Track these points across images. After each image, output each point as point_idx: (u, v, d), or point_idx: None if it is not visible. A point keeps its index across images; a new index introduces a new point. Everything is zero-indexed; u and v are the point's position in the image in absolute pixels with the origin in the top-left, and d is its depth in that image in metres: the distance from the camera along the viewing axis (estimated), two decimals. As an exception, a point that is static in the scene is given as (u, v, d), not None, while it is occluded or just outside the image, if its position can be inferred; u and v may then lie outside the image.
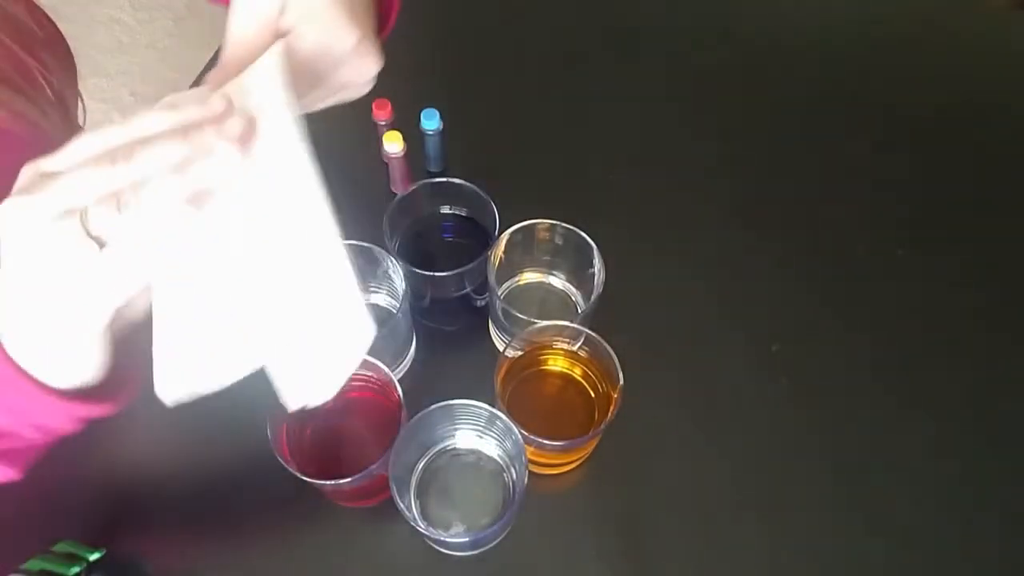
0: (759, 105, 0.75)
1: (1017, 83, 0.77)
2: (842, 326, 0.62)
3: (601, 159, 0.71)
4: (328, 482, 0.45)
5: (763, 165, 0.71)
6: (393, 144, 0.61)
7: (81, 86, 0.55)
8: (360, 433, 0.54)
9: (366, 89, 0.41)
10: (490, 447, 0.52)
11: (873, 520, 0.53)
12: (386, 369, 0.49)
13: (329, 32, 0.37)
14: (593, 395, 0.54)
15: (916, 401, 0.58)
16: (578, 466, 0.55)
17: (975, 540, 0.53)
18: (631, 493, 0.54)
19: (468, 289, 0.57)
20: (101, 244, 0.31)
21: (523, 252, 0.58)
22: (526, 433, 0.47)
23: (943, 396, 0.58)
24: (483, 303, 0.60)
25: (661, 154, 0.72)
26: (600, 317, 0.54)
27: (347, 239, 0.42)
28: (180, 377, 0.36)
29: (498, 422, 0.48)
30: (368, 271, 0.56)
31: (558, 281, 0.61)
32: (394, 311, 0.55)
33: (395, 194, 0.60)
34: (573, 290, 0.60)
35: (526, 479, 0.46)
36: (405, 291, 0.53)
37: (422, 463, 0.52)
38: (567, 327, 0.52)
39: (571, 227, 0.55)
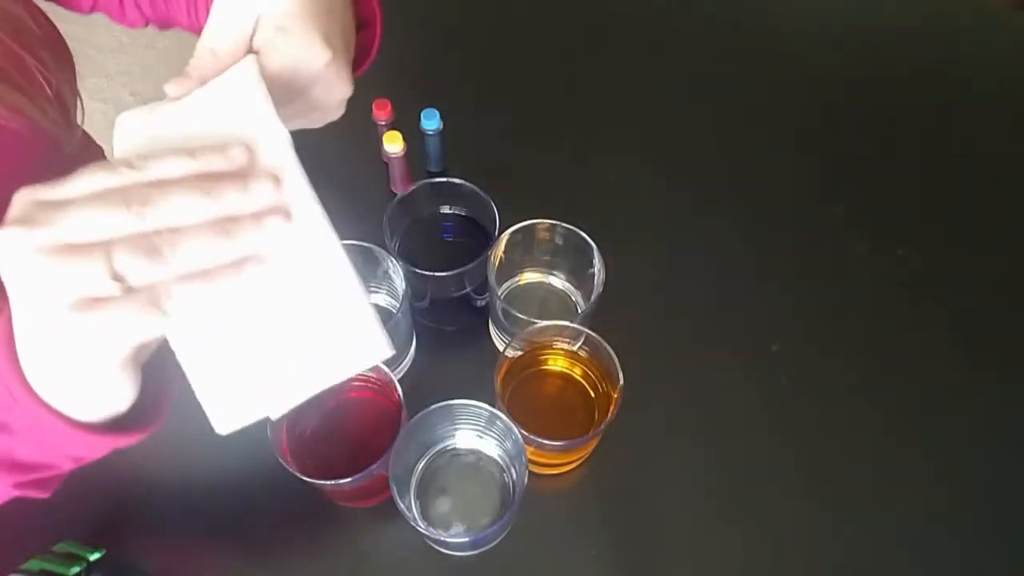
0: (759, 105, 0.75)
1: (1017, 83, 0.77)
2: (842, 326, 0.62)
3: (601, 159, 0.71)
4: (328, 482, 0.45)
5: (763, 165, 0.71)
6: (393, 144, 0.61)
7: (81, 86, 0.55)
8: (360, 433, 0.54)
9: (337, 114, 0.41)
10: (490, 447, 0.52)
11: (873, 520, 0.53)
12: (386, 369, 0.49)
13: (302, 48, 0.37)
14: (593, 395, 0.54)
15: (917, 401, 0.58)
16: (578, 466, 0.55)
17: (976, 540, 0.53)
18: (631, 493, 0.54)
19: (468, 289, 0.57)
20: (124, 285, 0.29)
21: (523, 252, 0.58)
22: (526, 433, 0.46)
23: (944, 396, 0.58)
24: (483, 303, 0.60)
25: (661, 154, 0.72)
26: (600, 317, 0.54)
27: (347, 239, 0.42)
28: (232, 406, 0.34)
29: (498, 422, 0.48)
30: (368, 271, 0.56)
31: (558, 281, 0.61)
32: (394, 311, 0.55)
33: (395, 194, 0.60)
34: (573, 290, 0.60)
35: (526, 479, 0.46)
36: (405, 291, 0.53)
37: (422, 463, 0.52)
38: (567, 327, 0.52)
39: (571, 227, 0.55)
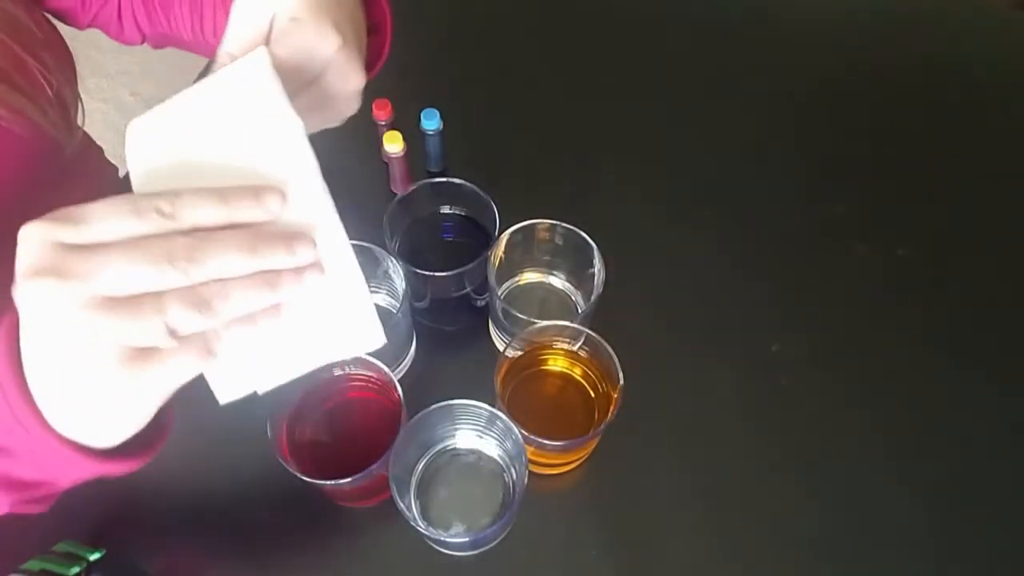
0: (759, 105, 0.75)
1: (1017, 83, 0.77)
2: (842, 326, 0.62)
3: (601, 159, 0.71)
4: (328, 482, 0.45)
5: (763, 165, 0.71)
6: (393, 144, 0.61)
7: (81, 86, 0.55)
8: (360, 433, 0.54)
9: (352, 107, 0.41)
10: (490, 447, 0.52)
11: (874, 520, 0.53)
12: (386, 369, 0.49)
13: (313, 34, 0.37)
14: (593, 395, 0.54)
15: (917, 401, 0.58)
16: (578, 466, 0.55)
17: (977, 541, 0.53)
18: (631, 493, 0.54)
19: (468, 289, 0.57)
20: (175, 336, 0.29)
21: (523, 252, 0.58)
22: (526, 433, 0.46)
23: (944, 396, 0.58)
24: (483, 303, 0.60)
25: (661, 154, 0.72)
26: (600, 317, 0.54)
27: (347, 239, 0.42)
28: (235, 377, 0.35)
29: (498, 422, 0.48)
30: (368, 271, 0.56)
31: (558, 281, 0.61)
32: (394, 311, 0.55)
33: (395, 194, 0.60)
34: (573, 290, 0.60)
35: (526, 479, 0.46)
36: (405, 291, 0.53)
37: (422, 463, 0.52)
38: (567, 327, 0.52)
39: (571, 227, 0.55)
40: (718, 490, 0.54)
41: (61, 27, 0.54)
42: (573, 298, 0.60)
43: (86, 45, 0.62)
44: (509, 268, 0.59)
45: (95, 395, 0.31)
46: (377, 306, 0.59)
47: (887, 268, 0.65)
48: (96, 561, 0.48)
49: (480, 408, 0.48)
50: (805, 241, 0.66)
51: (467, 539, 0.50)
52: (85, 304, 0.28)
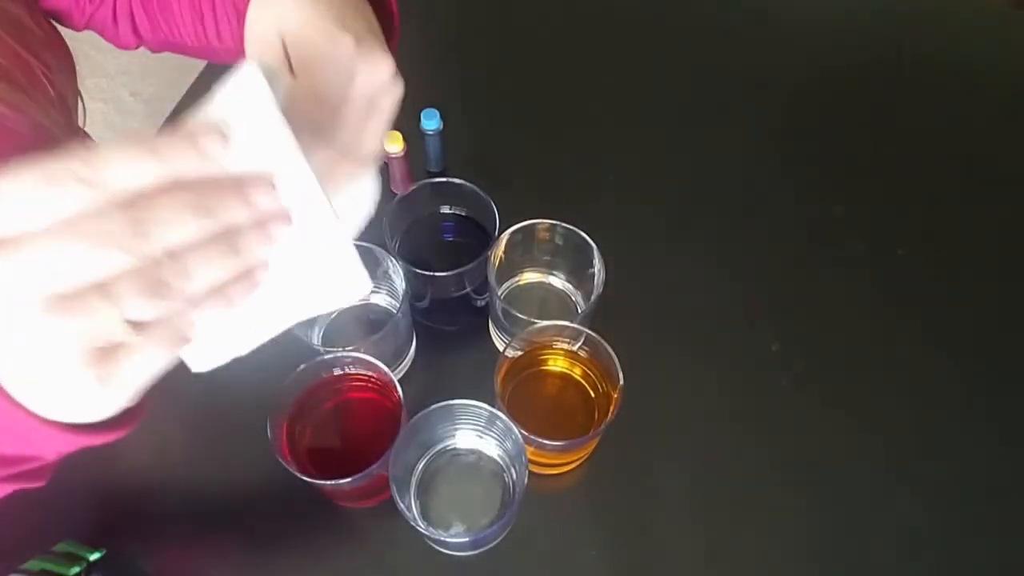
0: (758, 105, 0.75)
1: (1017, 83, 0.77)
2: (842, 326, 0.62)
3: (601, 159, 0.71)
4: (328, 482, 0.45)
5: (763, 164, 0.71)
6: (393, 144, 0.61)
7: (81, 86, 0.55)
8: (360, 433, 0.54)
9: (396, 93, 0.39)
10: (490, 447, 0.52)
11: (874, 520, 0.53)
12: (386, 369, 0.49)
13: (325, 43, 0.36)
14: (593, 395, 0.54)
15: (917, 401, 0.58)
16: (578, 466, 0.55)
17: (978, 541, 0.53)
18: (631, 493, 0.54)
19: (468, 289, 0.57)
20: (138, 325, 0.26)
21: (523, 252, 0.58)
22: (526, 433, 0.46)
23: (944, 395, 0.58)
24: (483, 303, 0.60)
25: (661, 154, 0.72)
26: (600, 317, 0.54)
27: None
28: (208, 346, 0.33)
29: (498, 422, 0.48)
30: (368, 271, 0.56)
31: (558, 281, 0.61)
32: (394, 311, 0.55)
33: (395, 194, 0.60)
34: (573, 290, 0.60)
35: (526, 479, 0.46)
36: (405, 291, 0.53)
37: (422, 463, 0.52)
38: (567, 327, 0.52)
39: (571, 227, 0.55)
40: (718, 490, 0.54)
41: (60, 27, 0.54)
42: (573, 298, 0.60)
43: (86, 45, 0.62)
44: (509, 268, 0.59)
45: (63, 391, 0.29)
46: (377, 306, 0.59)
47: (887, 268, 0.65)
48: (96, 561, 0.48)
49: (480, 408, 0.48)
50: (805, 241, 0.66)
51: (467, 539, 0.50)
52: (27, 310, 0.24)
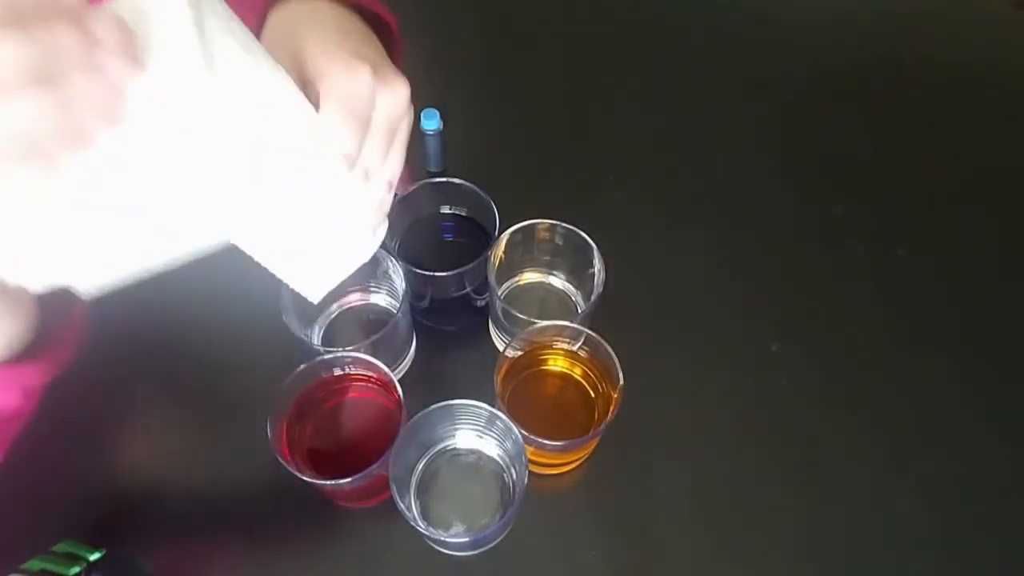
0: (758, 105, 0.75)
1: (1017, 83, 0.77)
2: (842, 326, 0.62)
3: (601, 159, 0.71)
4: (328, 482, 0.45)
5: (763, 164, 0.71)
6: (393, 144, 0.60)
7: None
8: (360, 433, 0.54)
9: (411, 116, 0.41)
10: (490, 447, 0.52)
11: (873, 520, 0.53)
12: (386, 369, 0.49)
13: (344, 77, 0.36)
14: (593, 395, 0.54)
15: (917, 401, 0.58)
16: (578, 466, 0.55)
17: (978, 541, 0.53)
18: (631, 493, 0.54)
19: (468, 289, 0.57)
20: None
21: (523, 252, 0.58)
22: (526, 433, 0.46)
23: (944, 395, 0.58)
24: (483, 303, 0.60)
25: (661, 153, 0.72)
26: (600, 317, 0.54)
27: (347, 239, 0.42)
28: (314, 272, 0.37)
29: (498, 422, 0.48)
30: (368, 271, 0.56)
31: (558, 281, 0.61)
32: (394, 311, 0.55)
33: (395, 194, 0.60)
34: (573, 290, 0.60)
35: (526, 479, 0.46)
36: (405, 291, 0.53)
37: (422, 463, 0.52)
38: (567, 327, 0.52)
39: (571, 227, 0.55)
40: (718, 490, 0.54)
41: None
42: (573, 298, 0.60)
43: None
44: (509, 268, 0.59)
45: None
46: (377, 306, 0.59)
47: (887, 268, 0.65)
48: (96, 561, 0.48)
49: (480, 408, 0.48)
50: (805, 241, 0.66)
51: (467, 539, 0.50)
52: None
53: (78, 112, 0.24)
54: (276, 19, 0.40)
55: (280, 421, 0.48)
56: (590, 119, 0.74)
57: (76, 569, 0.46)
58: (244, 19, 0.34)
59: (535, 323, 0.51)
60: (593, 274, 0.54)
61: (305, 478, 0.46)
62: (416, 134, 0.63)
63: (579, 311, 0.58)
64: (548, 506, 0.53)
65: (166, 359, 0.59)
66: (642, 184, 0.69)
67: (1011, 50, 0.79)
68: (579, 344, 0.53)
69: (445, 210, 0.61)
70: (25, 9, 0.22)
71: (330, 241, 0.40)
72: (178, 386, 0.59)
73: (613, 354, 0.49)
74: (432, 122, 0.62)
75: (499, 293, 0.58)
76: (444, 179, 0.58)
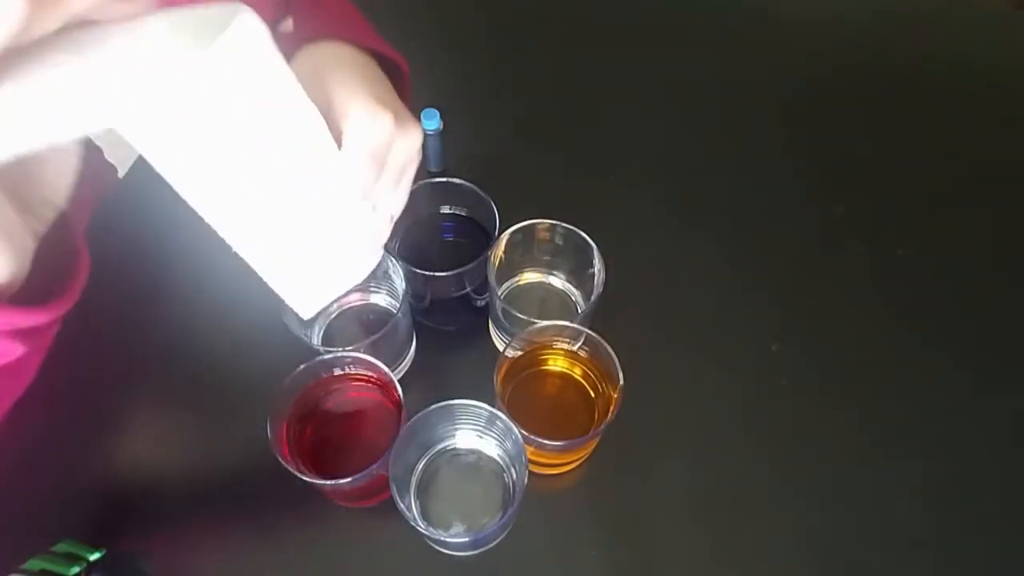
0: (758, 104, 0.75)
1: (1017, 83, 0.77)
2: (842, 326, 0.62)
3: (602, 159, 0.71)
4: (328, 482, 0.45)
5: (763, 164, 0.71)
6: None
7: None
8: (360, 433, 0.54)
9: (418, 160, 0.44)
10: (490, 447, 0.52)
11: (873, 520, 0.53)
12: (386, 369, 0.49)
13: (367, 119, 0.39)
14: (593, 395, 0.54)
15: (917, 401, 0.58)
16: (578, 466, 0.55)
17: (978, 541, 0.53)
18: (631, 493, 0.54)
19: (468, 289, 0.57)
20: None
21: (523, 252, 0.58)
22: (526, 433, 0.46)
23: (944, 395, 0.58)
24: (483, 303, 0.60)
25: (661, 153, 0.72)
26: (600, 317, 0.54)
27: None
28: (308, 290, 0.38)
29: (498, 422, 0.48)
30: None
31: (558, 281, 0.61)
32: (394, 311, 0.55)
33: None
34: (573, 290, 0.60)
35: (526, 479, 0.46)
36: (405, 291, 0.53)
37: (422, 463, 0.52)
38: (567, 327, 0.52)
39: (571, 227, 0.55)
40: (718, 490, 0.54)
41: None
42: (573, 298, 0.60)
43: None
44: (509, 268, 0.59)
45: None
46: (377, 306, 0.59)
47: (887, 268, 0.65)
48: (96, 561, 0.48)
49: (480, 408, 0.48)
50: (805, 241, 0.66)
51: (467, 539, 0.50)
52: None
53: None
54: (302, 58, 0.43)
55: (280, 421, 0.48)
56: (590, 119, 0.74)
57: (76, 569, 0.46)
58: None
59: (535, 323, 0.51)
60: (593, 274, 0.54)
61: (305, 478, 0.46)
62: (416, 134, 0.63)
63: (579, 311, 0.58)
64: (548, 506, 0.53)
65: (166, 359, 0.60)
66: (642, 184, 0.69)
67: (1011, 50, 0.79)
68: (579, 344, 0.53)
69: (445, 210, 0.61)
70: None
71: (328, 262, 0.42)
72: (178, 386, 0.59)
73: (613, 354, 0.49)
74: (432, 122, 0.62)
75: (499, 293, 0.58)
76: (444, 179, 0.58)
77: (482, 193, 0.56)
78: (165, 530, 0.53)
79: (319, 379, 0.51)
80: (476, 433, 0.52)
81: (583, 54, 0.79)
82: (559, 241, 0.57)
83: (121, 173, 0.72)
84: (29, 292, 0.32)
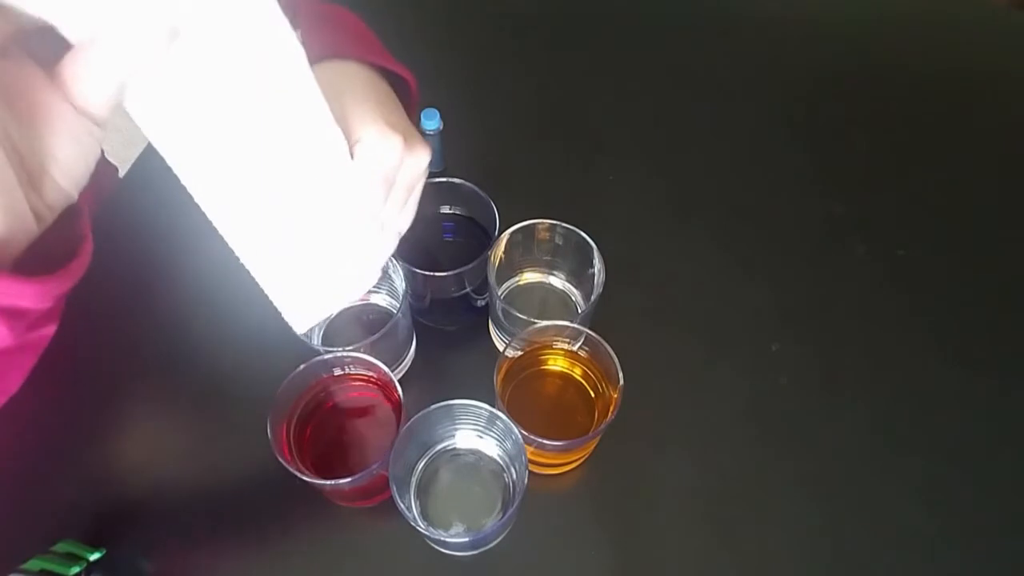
0: (758, 104, 0.75)
1: (1017, 83, 0.77)
2: (842, 326, 0.62)
3: (601, 159, 0.71)
4: (328, 482, 0.45)
5: (763, 164, 0.71)
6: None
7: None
8: (360, 433, 0.54)
9: (424, 178, 0.45)
10: (490, 447, 0.52)
11: (873, 520, 0.53)
12: (386, 369, 0.49)
13: (380, 145, 0.40)
14: (593, 395, 0.54)
15: (916, 401, 0.58)
16: (578, 466, 0.55)
17: (977, 541, 0.53)
18: (631, 493, 0.54)
19: (468, 289, 0.57)
20: None
21: (523, 252, 0.58)
22: (526, 433, 0.46)
23: (943, 396, 0.58)
24: (483, 303, 0.60)
25: (661, 154, 0.72)
26: (600, 317, 0.54)
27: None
28: (306, 304, 0.39)
29: (498, 422, 0.48)
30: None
31: (558, 281, 0.61)
32: (394, 311, 0.55)
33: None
34: (573, 290, 0.60)
35: (526, 479, 0.46)
36: (405, 291, 0.53)
37: (422, 463, 0.52)
38: (567, 327, 0.52)
39: (571, 227, 0.55)
40: (718, 490, 0.54)
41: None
42: (573, 298, 0.60)
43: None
44: (509, 268, 0.59)
45: None
46: (377, 306, 0.59)
47: (887, 268, 0.65)
48: (96, 561, 0.48)
49: (480, 408, 0.48)
50: (805, 241, 0.66)
51: (467, 539, 0.50)
52: None
53: None
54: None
55: (280, 421, 0.48)
56: (590, 119, 0.74)
57: (76, 569, 0.46)
58: None
59: (535, 323, 0.51)
60: (593, 274, 0.54)
61: (305, 478, 0.46)
62: (416, 134, 0.63)
63: (579, 311, 0.58)
64: (548, 506, 0.53)
65: (166, 359, 0.60)
66: (642, 184, 0.69)
67: (1011, 50, 0.79)
68: (579, 344, 0.53)
69: (445, 210, 0.61)
70: None
71: (329, 278, 0.43)
72: (178, 386, 0.59)
73: (613, 354, 0.49)
74: (432, 122, 0.62)
75: (499, 293, 0.58)
76: (444, 179, 0.58)
77: (482, 193, 0.56)
78: (165, 530, 0.53)
79: (319, 379, 0.51)
80: (476, 433, 0.52)
81: (584, 54, 0.79)
82: (559, 241, 0.57)
83: (121, 173, 0.72)
84: (24, 269, 0.31)
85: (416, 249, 0.59)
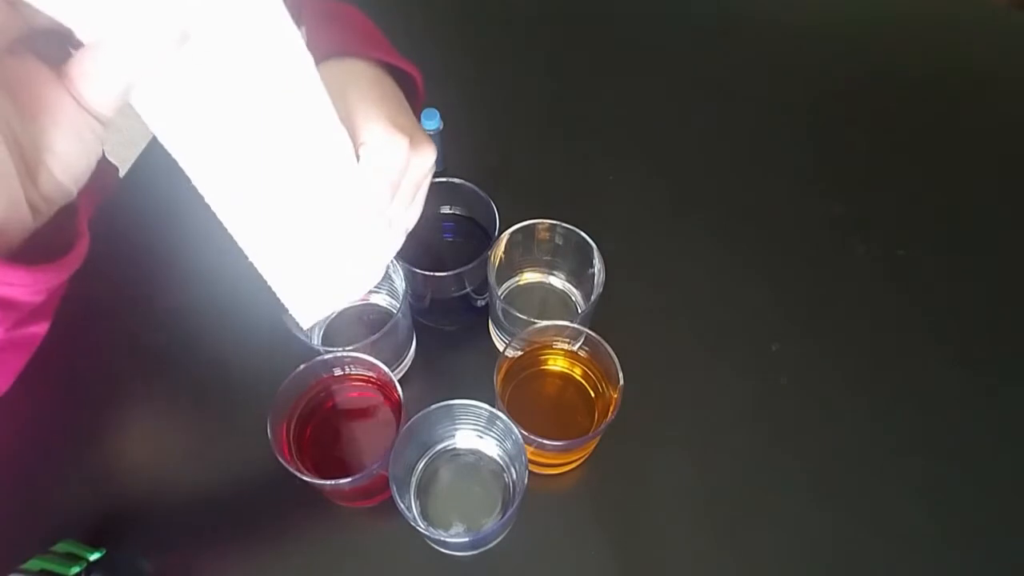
0: (758, 104, 0.75)
1: (1017, 83, 0.77)
2: (842, 326, 0.62)
3: (601, 159, 0.71)
4: (328, 482, 0.45)
5: (763, 164, 0.71)
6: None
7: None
8: (360, 433, 0.54)
9: (431, 177, 0.45)
10: (490, 447, 0.52)
11: (873, 519, 0.53)
12: (386, 369, 0.49)
13: (385, 146, 0.40)
14: (593, 395, 0.54)
15: (916, 401, 0.58)
16: (578, 466, 0.55)
17: (978, 541, 0.53)
18: (631, 493, 0.54)
19: (468, 289, 0.57)
20: None
21: (523, 252, 0.58)
22: (526, 433, 0.46)
23: (944, 396, 0.58)
24: (483, 303, 0.60)
25: (661, 153, 0.72)
26: (600, 317, 0.54)
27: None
28: (312, 300, 0.39)
29: (498, 422, 0.48)
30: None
31: (558, 281, 0.61)
32: (394, 311, 0.55)
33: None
34: (573, 290, 0.60)
35: (526, 479, 0.46)
36: (405, 291, 0.53)
37: (422, 463, 0.52)
38: (567, 327, 0.52)
39: (571, 227, 0.55)
40: (718, 490, 0.54)
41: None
42: (573, 298, 0.60)
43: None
44: (509, 268, 0.59)
45: None
46: (377, 306, 0.59)
47: (887, 268, 0.65)
48: (96, 561, 0.48)
49: (480, 408, 0.48)
50: (805, 241, 0.66)
51: (467, 539, 0.50)
52: None
53: None
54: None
55: (280, 421, 0.48)
56: (590, 119, 0.74)
57: (76, 569, 0.46)
58: None
59: (535, 323, 0.51)
60: (593, 274, 0.54)
61: (305, 478, 0.46)
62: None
63: (579, 311, 0.58)
64: (548, 506, 0.53)
65: (166, 359, 0.60)
66: (642, 184, 0.69)
67: (1011, 50, 0.79)
68: (579, 344, 0.53)
69: (445, 210, 0.61)
70: None
71: (336, 275, 0.43)
72: (178, 386, 0.59)
73: (613, 354, 0.49)
74: (432, 122, 0.62)
75: (499, 293, 0.58)
76: (444, 179, 0.58)
77: (482, 193, 0.56)
78: (165, 530, 0.53)
79: (319, 379, 0.51)
80: (476, 433, 0.52)
81: (584, 54, 0.79)
82: (559, 241, 0.57)
83: (121, 173, 0.72)
84: (20, 262, 0.31)
85: (416, 249, 0.59)
